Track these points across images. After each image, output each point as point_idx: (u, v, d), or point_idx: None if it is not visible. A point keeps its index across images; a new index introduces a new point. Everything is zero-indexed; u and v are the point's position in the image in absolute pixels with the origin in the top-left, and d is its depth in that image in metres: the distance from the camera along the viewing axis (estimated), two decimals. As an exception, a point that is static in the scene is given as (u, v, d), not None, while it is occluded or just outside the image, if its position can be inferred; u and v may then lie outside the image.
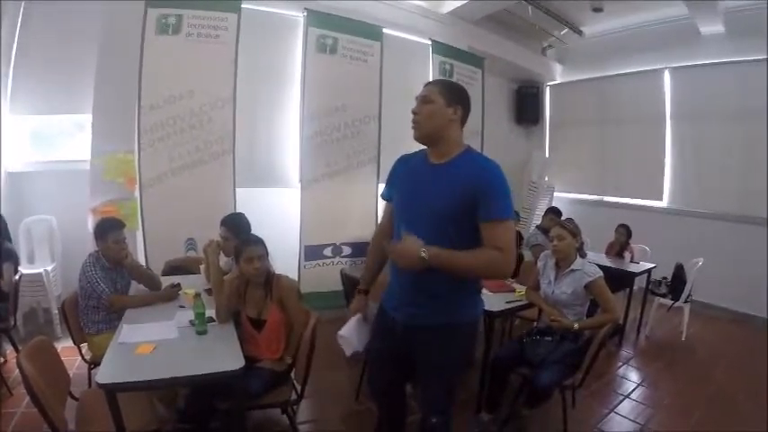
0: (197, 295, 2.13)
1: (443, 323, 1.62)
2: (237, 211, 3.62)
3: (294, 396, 2.18)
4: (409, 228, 1.53)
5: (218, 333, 2.11)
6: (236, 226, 2.73)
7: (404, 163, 1.77)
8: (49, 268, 3.81)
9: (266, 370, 2.13)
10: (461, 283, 1.61)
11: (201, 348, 1.97)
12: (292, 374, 2.26)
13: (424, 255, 1.42)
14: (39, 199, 4.04)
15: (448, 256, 1.46)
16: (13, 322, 3.12)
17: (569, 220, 4.15)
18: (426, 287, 1.58)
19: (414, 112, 1.62)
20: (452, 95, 1.61)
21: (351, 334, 1.83)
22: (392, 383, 1.90)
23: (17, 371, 3.03)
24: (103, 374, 1.68)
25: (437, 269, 1.46)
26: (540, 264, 2.85)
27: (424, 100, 1.60)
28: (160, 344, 1.94)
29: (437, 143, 1.62)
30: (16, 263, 3.28)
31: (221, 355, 1.87)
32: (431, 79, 5.08)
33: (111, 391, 1.65)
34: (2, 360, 3.17)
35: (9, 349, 3.19)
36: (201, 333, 2.07)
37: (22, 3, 3.95)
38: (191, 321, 2.15)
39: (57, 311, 3.74)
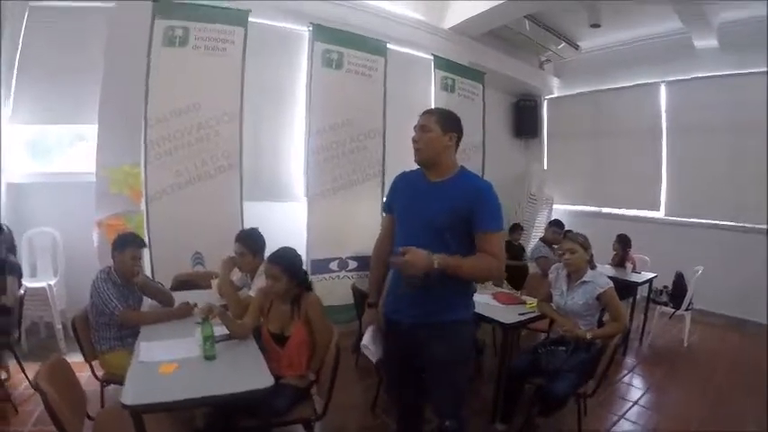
0: (204, 319, 1.98)
1: (442, 320, 1.79)
2: (245, 225, 3.61)
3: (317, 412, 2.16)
4: (411, 238, 1.74)
5: (242, 349, 2.07)
6: (252, 241, 2.70)
7: (404, 179, 1.97)
8: (53, 282, 3.76)
9: (290, 386, 2.12)
10: (456, 287, 1.79)
11: (227, 366, 1.91)
12: (312, 390, 2.25)
13: (436, 264, 1.61)
14: (40, 211, 3.99)
15: (454, 262, 1.66)
16: (17, 337, 3.07)
17: (569, 232, 4.22)
18: (425, 291, 1.73)
19: (414, 140, 1.83)
20: (448, 124, 1.82)
21: (370, 344, 2.01)
22: (406, 385, 2.02)
23: (21, 387, 3.00)
24: (128, 395, 1.63)
25: (435, 275, 1.64)
26: (551, 276, 2.89)
27: (423, 129, 1.81)
28: (183, 362, 1.90)
29: (435, 165, 1.83)
30: (20, 277, 3.23)
31: (249, 372, 1.84)
32: (433, 95, 5.29)
33: (137, 412, 1.62)
34: (5, 376, 3.10)
35: (14, 364, 3.11)
36: (210, 359, 1.93)
37: (26, 12, 3.93)
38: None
39: (60, 326, 3.69)
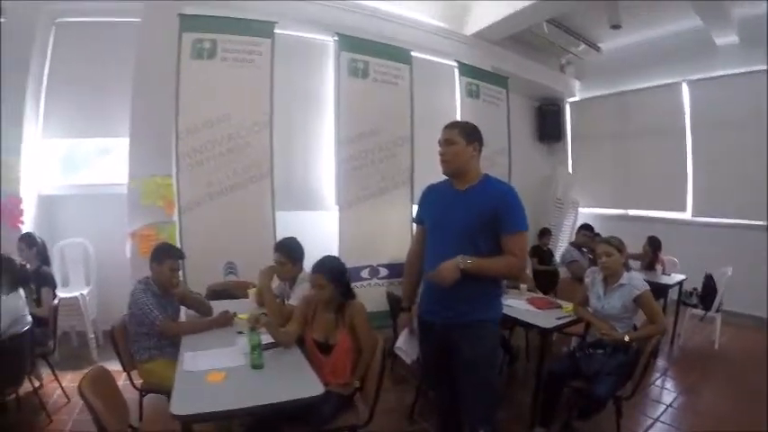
0: (252, 329, 2.00)
1: (470, 320, 1.89)
2: (277, 234, 3.62)
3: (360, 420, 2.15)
4: (444, 246, 1.87)
5: (287, 358, 2.07)
6: (291, 250, 2.70)
7: (432, 191, 2.09)
8: (85, 292, 3.81)
9: (334, 394, 2.10)
10: (485, 288, 1.92)
11: (275, 374, 1.91)
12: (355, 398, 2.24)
13: (462, 266, 1.77)
14: (71, 222, 4.07)
15: (479, 263, 1.81)
16: (52, 347, 3.10)
17: (598, 235, 4.20)
18: (457, 293, 1.83)
19: (441, 154, 1.95)
20: (470, 135, 1.94)
21: (405, 345, 2.14)
22: (441, 385, 2.12)
23: (54, 396, 3.02)
24: (178, 405, 1.62)
25: (466, 278, 1.78)
26: (587, 280, 2.88)
27: (447, 143, 1.93)
28: (230, 371, 1.90)
29: (462, 175, 1.95)
30: (54, 288, 3.28)
31: (298, 380, 1.84)
32: (458, 101, 5.33)
33: (188, 422, 1.61)
34: (38, 384, 3.11)
35: (47, 373, 3.14)
36: (258, 367, 1.92)
37: (53, 27, 4.02)
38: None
39: (93, 335, 3.74)
